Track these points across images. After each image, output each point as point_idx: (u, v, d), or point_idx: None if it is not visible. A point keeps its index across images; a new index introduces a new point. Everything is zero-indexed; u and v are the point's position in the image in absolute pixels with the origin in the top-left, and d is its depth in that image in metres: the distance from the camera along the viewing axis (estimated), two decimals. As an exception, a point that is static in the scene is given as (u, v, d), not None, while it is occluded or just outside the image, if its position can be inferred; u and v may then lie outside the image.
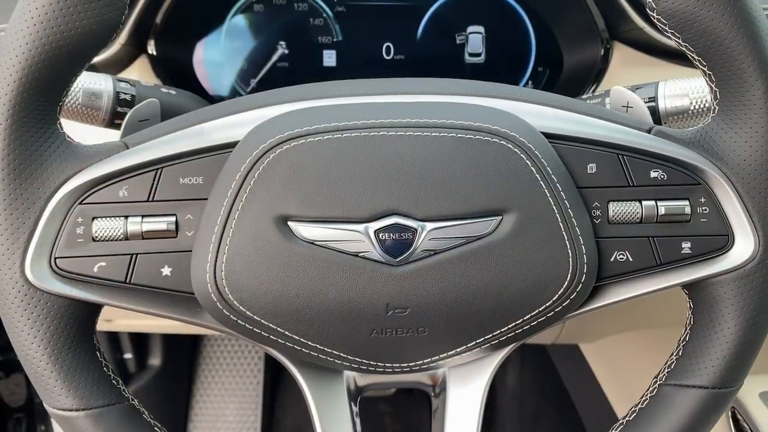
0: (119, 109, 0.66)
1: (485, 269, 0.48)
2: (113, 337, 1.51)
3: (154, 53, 0.86)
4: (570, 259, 0.49)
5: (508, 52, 0.94)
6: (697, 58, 0.49)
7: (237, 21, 0.93)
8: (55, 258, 0.48)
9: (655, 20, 0.49)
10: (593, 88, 0.89)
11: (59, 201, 0.48)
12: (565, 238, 0.48)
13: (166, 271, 0.49)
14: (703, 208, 0.50)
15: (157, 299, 0.50)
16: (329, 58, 0.94)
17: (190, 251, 0.49)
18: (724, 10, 0.46)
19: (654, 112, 0.66)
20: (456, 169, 0.48)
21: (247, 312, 0.48)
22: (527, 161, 0.48)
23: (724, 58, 0.47)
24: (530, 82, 0.95)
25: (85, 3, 0.44)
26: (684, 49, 0.49)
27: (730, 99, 0.49)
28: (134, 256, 0.49)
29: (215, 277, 0.48)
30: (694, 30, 0.47)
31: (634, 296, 0.52)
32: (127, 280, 0.49)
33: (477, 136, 0.48)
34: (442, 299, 0.48)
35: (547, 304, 0.49)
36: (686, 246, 0.51)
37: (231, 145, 0.49)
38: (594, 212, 0.50)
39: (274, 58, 0.93)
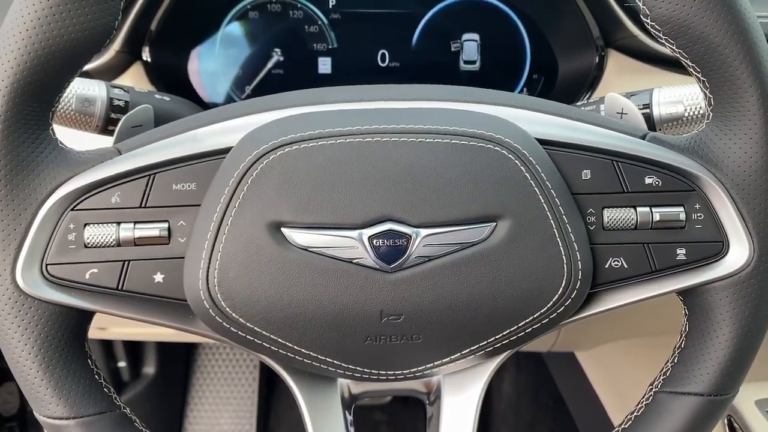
0: (113, 115, 0.65)
1: (480, 276, 0.48)
2: (107, 345, 1.50)
3: (149, 60, 0.86)
4: (565, 265, 0.48)
5: (503, 59, 0.94)
6: (691, 64, 0.49)
7: (232, 28, 0.93)
8: (47, 264, 0.48)
9: (649, 27, 0.49)
10: (588, 95, 0.89)
11: (51, 207, 0.47)
12: (560, 244, 0.48)
13: (159, 277, 0.49)
14: (698, 214, 0.50)
15: (150, 306, 0.49)
16: (324, 66, 0.94)
17: (183, 258, 0.49)
18: (718, 16, 0.46)
19: (648, 118, 0.66)
20: (450, 175, 0.47)
21: (240, 319, 0.48)
22: (521, 167, 0.48)
23: (717, 64, 0.47)
24: (525, 90, 0.95)
25: (78, 8, 0.44)
26: (678, 55, 0.49)
27: (724, 105, 0.49)
28: (126, 262, 0.48)
29: (208, 284, 0.47)
30: (688, 36, 0.47)
31: (629, 303, 0.52)
32: (119, 287, 0.48)
33: (471, 142, 0.48)
34: (437, 306, 0.48)
35: (542, 311, 0.49)
36: (681, 252, 0.50)
37: (224, 151, 0.49)
38: (588, 218, 0.50)
39: (269, 65, 0.93)
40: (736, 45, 0.47)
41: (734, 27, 0.46)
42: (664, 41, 0.49)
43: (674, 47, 0.49)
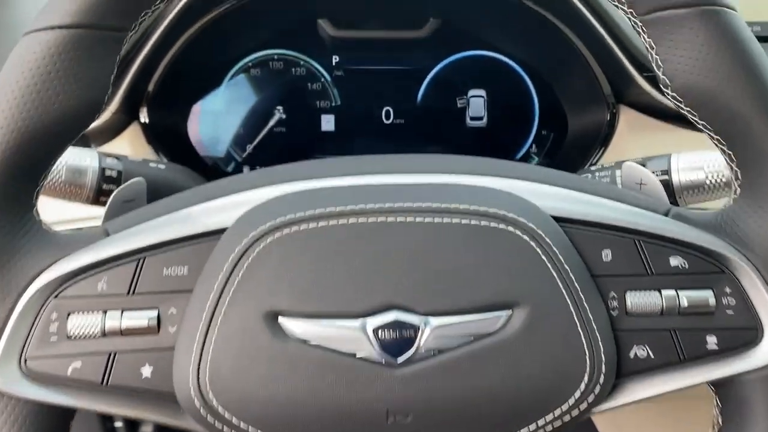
0: (105, 186, 0.63)
1: (495, 370, 0.44)
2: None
3: (147, 121, 0.83)
4: (587, 357, 0.44)
5: (511, 115, 0.92)
6: (715, 136, 0.46)
7: (233, 85, 0.91)
8: (26, 359, 0.44)
9: (669, 98, 0.46)
10: (600, 151, 0.86)
11: (32, 296, 0.44)
12: (581, 334, 0.44)
13: (147, 371, 0.45)
14: (729, 298, 0.47)
15: (137, 401, 0.46)
16: (327, 123, 0.91)
17: (173, 348, 0.45)
18: (744, 87, 0.43)
19: (667, 185, 0.63)
20: (460, 258, 0.44)
21: (233, 419, 0.44)
22: (537, 249, 0.45)
23: (743, 137, 0.44)
24: (534, 146, 0.92)
25: (64, 84, 0.42)
26: (701, 127, 0.46)
27: (754, 181, 0.46)
28: (112, 354, 0.45)
29: (198, 379, 0.44)
30: (711, 108, 0.44)
31: (657, 395, 0.48)
32: (104, 382, 0.45)
33: (482, 222, 0.45)
34: (448, 405, 0.44)
35: (563, 408, 0.45)
36: (711, 341, 0.47)
37: (219, 232, 0.46)
38: (611, 303, 0.46)
39: (271, 123, 0.91)
40: (762, 118, 0.44)
41: (761, 100, 0.43)
42: (686, 113, 0.46)
43: (697, 119, 0.46)
